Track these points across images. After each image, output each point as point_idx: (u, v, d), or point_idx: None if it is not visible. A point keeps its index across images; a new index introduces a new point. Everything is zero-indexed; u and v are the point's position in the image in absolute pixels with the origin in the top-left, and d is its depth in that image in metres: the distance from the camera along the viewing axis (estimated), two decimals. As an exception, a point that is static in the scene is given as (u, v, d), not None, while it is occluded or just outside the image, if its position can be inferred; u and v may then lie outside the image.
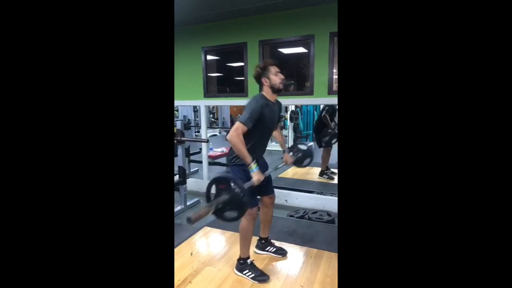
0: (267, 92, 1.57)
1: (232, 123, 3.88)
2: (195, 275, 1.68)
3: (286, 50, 3.02)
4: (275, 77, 1.53)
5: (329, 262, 1.80)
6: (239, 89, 2.94)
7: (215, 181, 1.35)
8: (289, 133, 5.51)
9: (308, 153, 1.97)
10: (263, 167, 1.70)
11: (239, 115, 3.70)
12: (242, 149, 1.43)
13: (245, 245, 1.65)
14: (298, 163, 1.96)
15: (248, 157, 1.44)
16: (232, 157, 1.59)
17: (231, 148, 1.58)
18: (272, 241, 1.94)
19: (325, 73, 2.49)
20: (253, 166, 1.44)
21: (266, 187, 1.71)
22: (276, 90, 1.56)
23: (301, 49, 3.06)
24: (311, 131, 6.26)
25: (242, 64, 2.86)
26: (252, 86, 2.80)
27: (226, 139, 1.46)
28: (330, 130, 3.35)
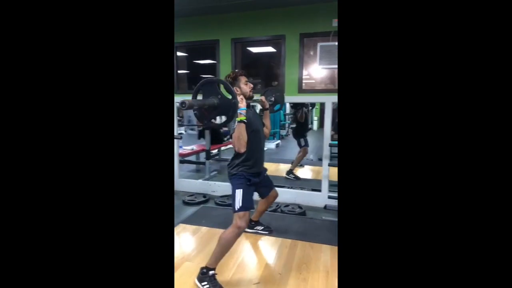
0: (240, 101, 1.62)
1: (200, 120, 3.88)
2: (175, 270, 1.68)
3: (254, 49, 3.09)
4: (245, 86, 1.61)
5: (304, 251, 1.90)
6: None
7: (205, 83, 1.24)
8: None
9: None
10: (266, 181, 1.85)
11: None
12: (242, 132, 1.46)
13: (218, 257, 1.53)
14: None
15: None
16: (231, 168, 1.65)
17: (231, 159, 1.67)
18: (249, 230, 2.12)
19: (296, 72, 2.61)
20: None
21: (267, 188, 1.91)
22: (247, 98, 1.63)
23: (269, 49, 3.16)
24: (277, 129, 6.44)
25: (210, 61, 2.87)
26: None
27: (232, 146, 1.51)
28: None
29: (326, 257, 1.84)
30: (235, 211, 1.56)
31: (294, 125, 4.13)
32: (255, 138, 1.63)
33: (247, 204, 1.58)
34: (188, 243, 2.05)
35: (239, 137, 1.45)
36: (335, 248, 1.94)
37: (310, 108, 4.53)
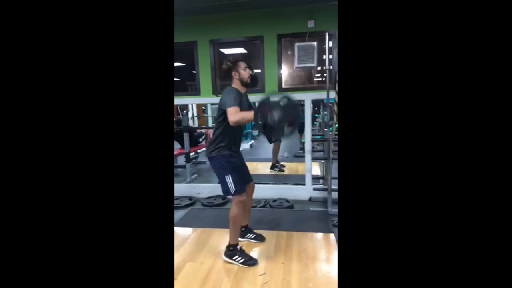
0: (237, 85, 1.69)
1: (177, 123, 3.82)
2: (178, 272, 1.65)
3: (226, 51, 3.16)
4: (244, 71, 1.67)
5: (300, 240, 1.99)
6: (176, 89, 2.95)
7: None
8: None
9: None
10: (240, 162, 1.85)
11: (184, 112, 3.69)
12: (245, 116, 1.48)
13: (235, 232, 1.72)
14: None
15: (251, 112, 1.48)
16: (211, 149, 1.69)
17: (210, 141, 1.72)
18: (241, 239, 2.05)
19: (275, 71, 2.71)
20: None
21: (247, 176, 1.89)
22: (244, 84, 1.69)
23: (241, 50, 3.25)
24: (250, 130, 6.51)
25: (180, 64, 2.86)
26: (205, 84, 2.84)
27: (232, 125, 1.51)
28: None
29: (321, 244, 1.95)
30: (233, 195, 1.67)
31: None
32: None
33: (240, 185, 1.70)
34: (186, 245, 2.02)
35: (244, 117, 1.49)
36: (327, 235, 2.06)
37: None
